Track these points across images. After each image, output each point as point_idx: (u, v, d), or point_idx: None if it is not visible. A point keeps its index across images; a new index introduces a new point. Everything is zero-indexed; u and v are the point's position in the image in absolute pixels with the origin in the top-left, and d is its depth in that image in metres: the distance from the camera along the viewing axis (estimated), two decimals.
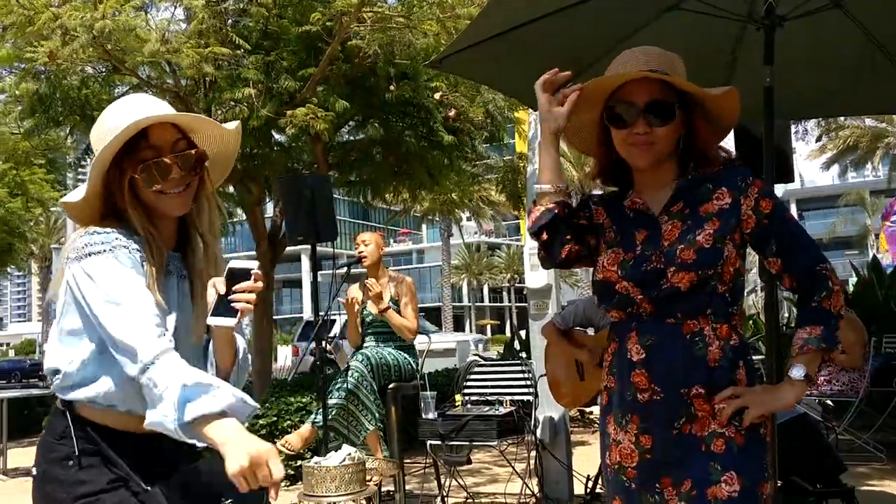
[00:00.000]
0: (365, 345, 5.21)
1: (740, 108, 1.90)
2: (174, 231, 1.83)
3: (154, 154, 1.71)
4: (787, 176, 5.49)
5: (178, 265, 1.82)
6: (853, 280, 9.43)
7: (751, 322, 9.44)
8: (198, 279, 1.81)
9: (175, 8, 6.20)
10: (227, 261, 1.80)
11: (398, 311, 5.07)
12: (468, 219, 44.30)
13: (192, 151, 1.75)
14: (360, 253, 5.19)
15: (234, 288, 1.66)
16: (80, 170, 8.67)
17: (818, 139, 23.27)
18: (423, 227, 65.22)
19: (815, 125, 14.18)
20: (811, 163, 35.94)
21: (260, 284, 1.69)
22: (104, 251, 1.65)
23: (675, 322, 1.80)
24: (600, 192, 2.06)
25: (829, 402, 6.53)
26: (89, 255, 1.64)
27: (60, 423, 1.71)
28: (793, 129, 8.93)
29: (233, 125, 1.84)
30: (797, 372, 1.76)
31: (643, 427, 1.81)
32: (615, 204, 1.97)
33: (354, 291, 5.31)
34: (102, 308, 1.61)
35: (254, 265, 1.71)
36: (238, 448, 1.45)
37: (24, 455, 8.74)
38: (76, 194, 1.75)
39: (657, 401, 1.79)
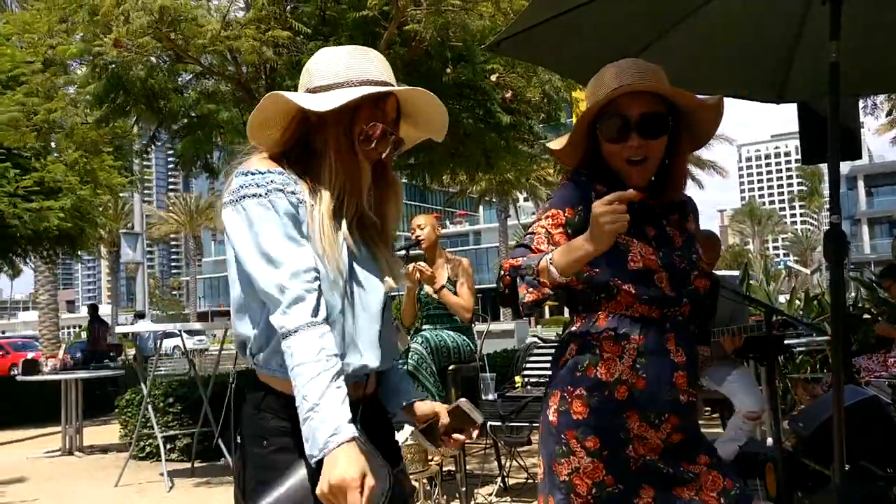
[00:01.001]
0: (424, 327, 5.26)
1: (806, 84, 1.90)
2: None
3: (381, 117, 1.67)
4: (855, 153, 5.36)
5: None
6: None
7: (815, 302, 9.23)
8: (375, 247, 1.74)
9: None
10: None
11: (454, 293, 5.10)
12: (525, 199, 44.12)
13: (394, 137, 1.70)
14: (417, 237, 5.23)
15: (450, 430, 1.75)
16: (145, 157, 8.90)
17: (888, 114, 22.47)
18: (480, 208, 65.16)
19: (885, 99, 13.70)
20: (880, 138, 34.75)
21: (466, 438, 1.77)
22: (259, 195, 1.56)
23: (693, 330, 1.95)
24: (593, 172, 1.95)
25: None
26: (243, 197, 1.57)
27: (254, 395, 1.64)
28: (861, 104, 8.67)
29: (442, 131, 1.83)
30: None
31: (679, 427, 1.88)
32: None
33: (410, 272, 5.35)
34: (254, 260, 1.54)
35: (480, 419, 1.74)
36: (326, 472, 1.44)
37: (97, 433, 9.09)
38: (314, 101, 1.61)
39: (691, 402, 1.90)
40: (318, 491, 1.45)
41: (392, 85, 1.68)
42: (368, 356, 1.63)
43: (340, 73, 1.65)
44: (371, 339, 1.65)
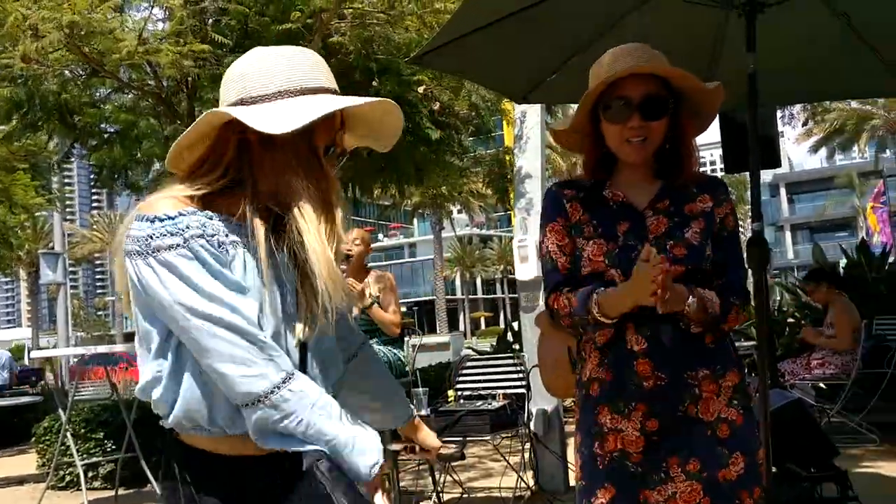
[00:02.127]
0: None
1: (726, 96, 1.95)
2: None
3: (334, 135, 1.46)
4: (775, 161, 5.51)
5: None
6: (843, 262, 9.43)
7: None
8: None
9: (152, 7, 6.13)
10: None
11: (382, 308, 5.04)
12: (459, 211, 44.33)
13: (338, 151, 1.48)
14: (348, 251, 5.15)
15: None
16: (65, 173, 8.58)
17: (804, 123, 23.32)
18: (415, 220, 65.23)
19: (801, 109, 14.18)
20: (799, 146, 36.10)
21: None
22: (177, 244, 1.32)
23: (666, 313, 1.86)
24: (566, 181, 2.06)
25: (822, 385, 6.55)
26: (157, 249, 1.32)
27: (172, 452, 1.45)
28: (779, 113, 8.93)
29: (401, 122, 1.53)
30: (692, 301, 1.84)
31: (649, 412, 1.87)
32: (591, 196, 1.99)
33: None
34: (190, 323, 1.31)
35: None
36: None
37: (13, 464, 8.70)
38: (275, 121, 1.34)
39: (661, 386, 1.86)
40: None
41: (336, 89, 1.47)
42: None
43: (285, 80, 1.41)
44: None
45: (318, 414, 1.35)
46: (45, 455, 7.44)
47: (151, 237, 1.32)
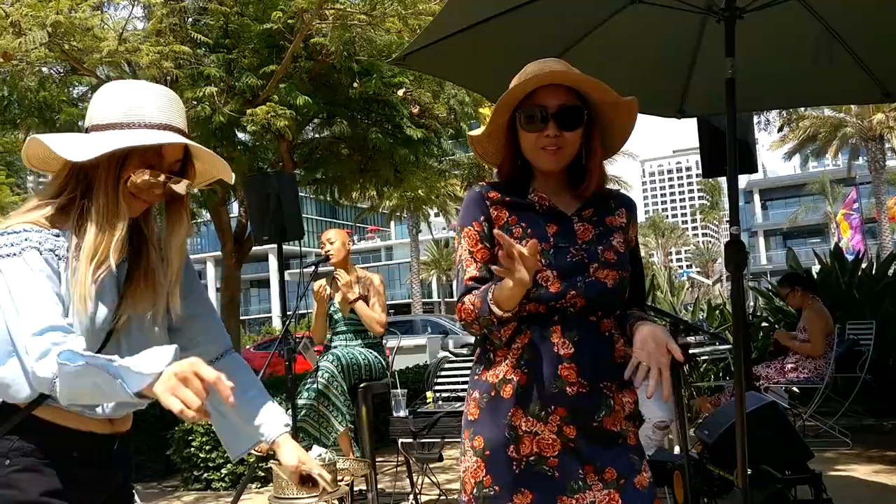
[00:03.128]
0: (334, 344, 5.17)
1: (705, 100, 1.96)
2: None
3: (157, 163, 1.66)
4: (751, 166, 5.57)
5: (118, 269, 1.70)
6: (816, 268, 9.56)
7: (717, 312, 9.53)
8: (145, 278, 1.72)
9: (133, 6, 6.10)
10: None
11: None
12: (436, 215, 44.32)
13: (181, 179, 1.68)
14: (326, 251, 5.15)
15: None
16: (40, 172, 8.50)
17: (779, 129, 23.58)
18: (392, 223, 65.12)
19: (776, 116, 14.37)
20: (773, 153, 36.44)
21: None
22: (13, 254, 1.55)
23: (596, 319, 1.90)
24: (487, 185, 2.05)
25: (795, 389, 6.63)
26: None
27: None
28: (755, 119, 9.03)
29: (231, 175, 1.78)
30: (647, 327, 1.85)
31: (569, 418, 1.86)
32: (515, 198, 2.00)
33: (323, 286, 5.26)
34: (9, 315, 1.53)
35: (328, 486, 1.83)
36: (160, 382, 1.40)
37: None
38: (69, 148, 1.58)
39: (583, 394, 1.86)
40: (165, 401, 1.38)
41: (176, 126, 1.66)
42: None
43: (118, 114, 1.63)
44: None
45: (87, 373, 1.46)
46: None
47: None
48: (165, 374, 1.40)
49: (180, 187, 1.68)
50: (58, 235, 1.61)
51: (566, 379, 1.86)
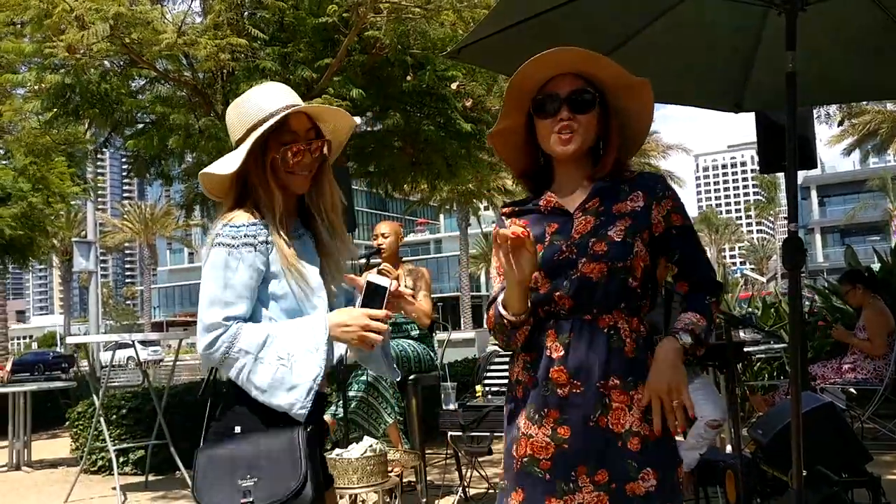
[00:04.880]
0: None
1: (764, 94, 1.92)
2: (295, 207, 2.08)
3: (292, 138, 1.97)
4: (810, 162, 5.45)
5: (302, 230, 2.09)
6: (876, 266, 9.30)
7: (772, 310, 9.35)
8: (324, 249, 2.08)
9: (192, 0, 6.20)
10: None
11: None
12: (486, 208, 44.28)
13: (320, 141, 2.01)
14: (378, 244, 5.18)
15: (369, 311, 1.94)
16: (98, 162, 8.69)
17: (839, 124, 23.00)
18: (441, 216, 65.25)
19: (836, 110, 14.01)
20: (832, 148, 35.57)
21: (387, 314, 1.97)
22: (232, 246, 1.90)
23: (592, 317, 1.90)
24: (511, 202, 2.17)
25: (853, 390, 6.47)
26: (219, 244, 1.91)
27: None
28: (815, 114, 8.83)
29: (353, 118, 2.12)
30: (686, 338, 1.86)
31: (562, 419, 1.88)
32: (527, 207, 2.06)
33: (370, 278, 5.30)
34: (202, 292, 1.92)
35: (387, 283, 1.98)
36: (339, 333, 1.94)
37: (47, 447, 8.86)
38: (222, 167, 1.95)
39: (576, 394, 1.88)
40: (351, 342, 1.95)
41: (290, 104, 1.98)
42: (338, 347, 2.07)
43: (246, 122, 1.97)
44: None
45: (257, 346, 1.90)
46: (78, 439, 7.56)
47: (219, 234, 1.94)
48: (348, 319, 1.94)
49: (323, 147, 2.02)
50: (265, 226, 1.94)
51: (556, 381, 1.89)
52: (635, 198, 1.97)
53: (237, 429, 1.90)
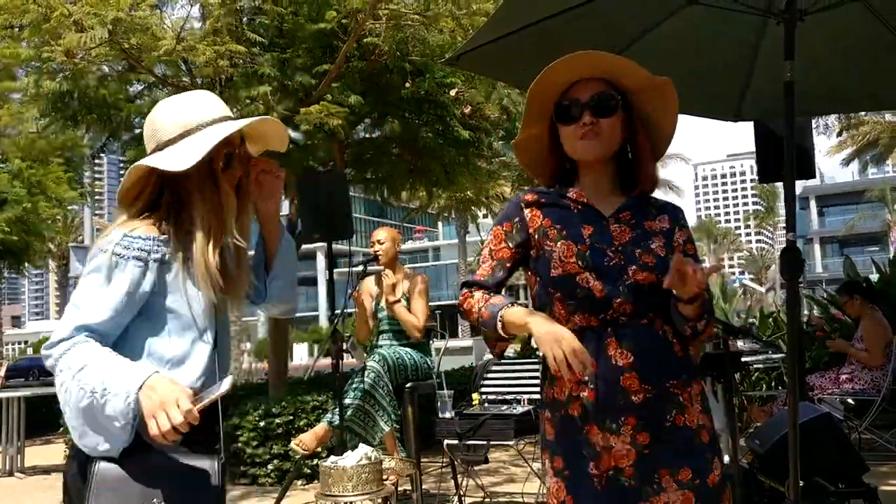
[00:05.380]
0: (379, 343, 5.19)
1: (762, 104, 1.93)
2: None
3: (231, 150, 1.86)
4: (808, 171, 5.45)
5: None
6: (875, 277, 9.30)
7: (770, 320, 9.34)
8: (228, 277, 1.88)
9: (191, 6, 6.21)
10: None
11: (409, 309, 5.06)
12: (484, 216, 44.26)
13: (243, 152, 1.91)
14: (375, 251, 5.18)
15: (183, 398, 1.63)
16: (96, 167, 8.68)
17: (838, 134, 23.05)
18: (440, 224, 65.26)
19: (835, 120, 14.04)
20: (831, 158, 35.61)
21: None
22: (118, 255, 1.75)
23: (648, 322, 1.90)
24: (531, 188, 2.12)
25: (850, 401, 6.46)
26: (107, 251, 1.75)
27: None
28: (813, 123, 8.84)
29: (286, 131, 2.01)
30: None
31: (640, 426, 1.87)
32: (552, 200, 2.03)
33: (370, 284, 5.30)
34: (73, 294, 1.78)
35: (226, 388, 1.69)
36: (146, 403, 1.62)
37: (40, 453, 8.81)
38: (171, 163, 1.76)
39: (650, 398, 1.87)
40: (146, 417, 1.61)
41: (231, 117, 1.87)
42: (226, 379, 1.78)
43: (186, 122, 1.83)
44: (224, 366, 1.90)
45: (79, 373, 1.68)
46: (72, 445, 7.52)
47: (111, 241, 1.77)
48: (156, 396, 1.63)
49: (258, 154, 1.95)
50: (165, 244, 1.79)
51: (629, 388, 1.86)
52: (662, 220, 2.00)
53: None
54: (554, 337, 1.76)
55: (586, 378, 1.86)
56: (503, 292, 2.06)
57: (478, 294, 1.98)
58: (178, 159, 1.76)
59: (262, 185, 1.91)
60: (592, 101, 1.93)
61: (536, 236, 1.99)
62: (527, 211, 2.02)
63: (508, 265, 2.03)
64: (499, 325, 1.89)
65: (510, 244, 2.01)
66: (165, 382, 1.64)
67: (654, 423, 1.87)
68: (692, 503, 1.85)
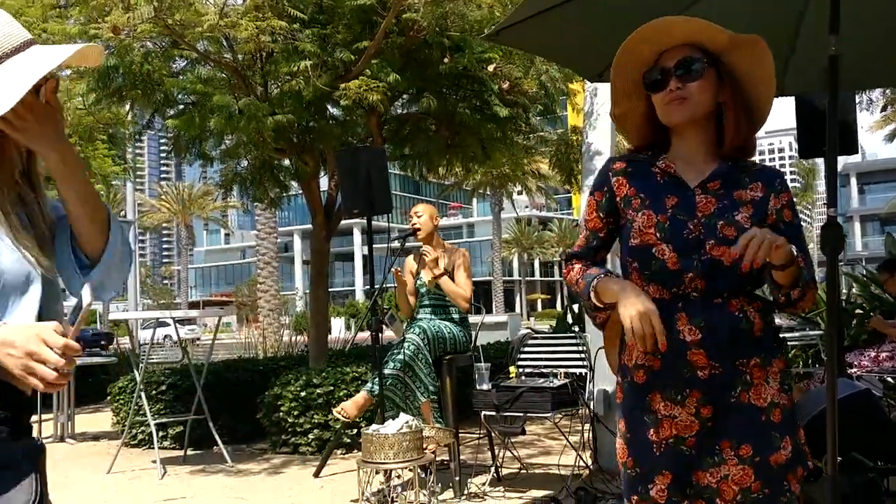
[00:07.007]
0: (419, 317, 5.26)
1: (804, 77, 1.93)
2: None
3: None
4: (851, 147, 5.37)
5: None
6: None
7: None
8: (38, 231, 1.52)
9: None
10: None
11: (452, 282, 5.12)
12: (519, 193, 44.07)
13: (54, 81, 1.44)
14: (413, 225, 5.24)
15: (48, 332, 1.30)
16: (137, 144, 8.82)
17: (882, 109, 22.51)
18: (474, 200, 65.12)
19: (879, 95, 13.72)
20: (873, 135, 34.85)
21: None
22: None
23: (722, 301, 1.89)
24: (622, 155, 2.13)
25: (890, 379, 6.40)
26: None
27: None
28: (856, 99, 8.68)
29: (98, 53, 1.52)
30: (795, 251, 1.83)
31: (704, 400, 1.89)
32: (640, 169, 2.03)
33: (411, 262, 5.38)
34: None
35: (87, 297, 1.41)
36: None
37: (89, 421, 9.08)
38: None
39: (716, 374, 1.88)
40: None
41: (35, 40, 1.44)
42: None
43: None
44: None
45: None
46: (119, 413, 7.75)
47: None
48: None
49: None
50: None
51: (696, 364, 1.89)
52: (755, 188, 1.97)
53: None
54: (637, 309, 1.81)
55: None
56: (608, 259, 2.13)
57: (577, 266, 2.06)
58: None
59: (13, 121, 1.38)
60: (678, 66, 1.94)
61: (622, 205, 2.01)
62: (614, 179, 2.04)
63: (602, 234, 2.07)
64: (592, 295, 1.95)
65: (601, 214, 2.05)
66: (17, 329, 1.30)
67: (719, 398, 1.89)
68: (751, 478, 1.86)
